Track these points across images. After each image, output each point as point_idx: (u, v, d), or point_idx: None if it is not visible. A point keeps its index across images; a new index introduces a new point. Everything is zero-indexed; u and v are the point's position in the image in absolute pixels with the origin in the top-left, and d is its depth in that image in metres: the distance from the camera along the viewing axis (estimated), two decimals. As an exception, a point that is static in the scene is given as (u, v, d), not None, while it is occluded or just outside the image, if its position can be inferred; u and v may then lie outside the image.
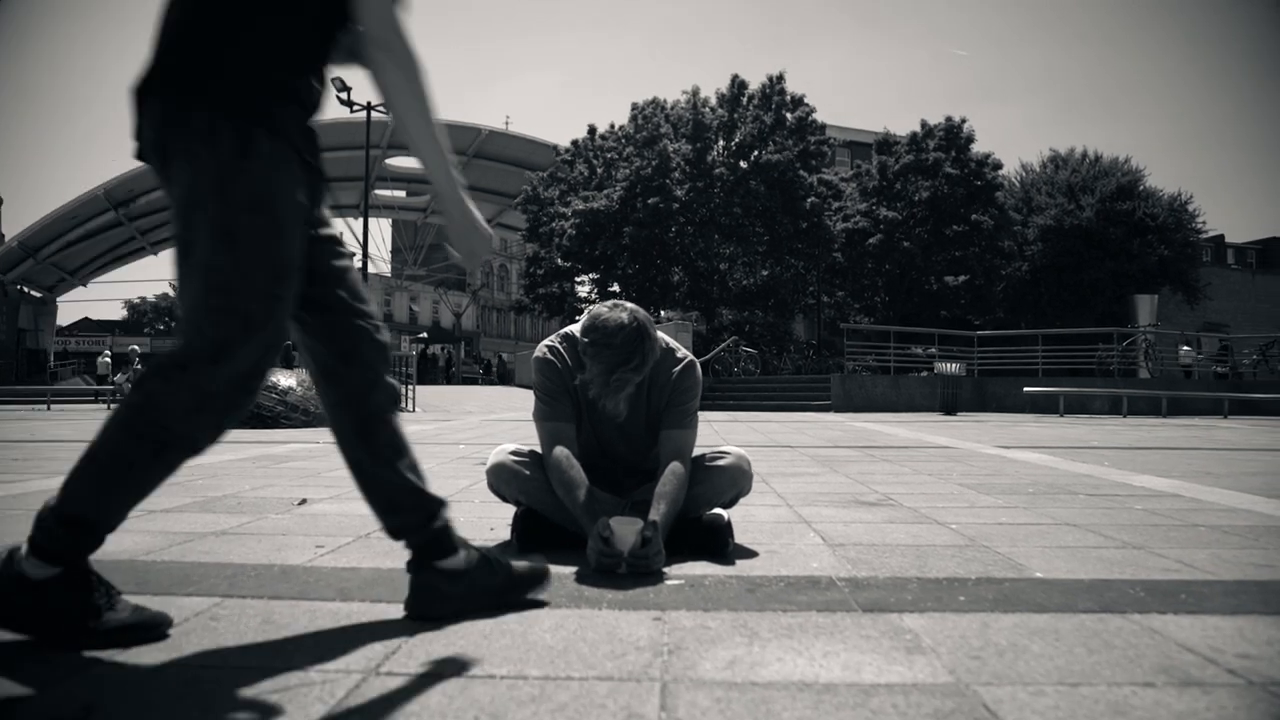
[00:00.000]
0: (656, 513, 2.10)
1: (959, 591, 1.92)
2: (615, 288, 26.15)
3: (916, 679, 1.35)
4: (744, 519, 2.82)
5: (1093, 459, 5.77)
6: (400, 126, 1.57)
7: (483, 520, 2.91)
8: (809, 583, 1.99)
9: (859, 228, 26.21)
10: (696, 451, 2.39)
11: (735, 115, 25.84)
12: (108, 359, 24.95)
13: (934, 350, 19.70)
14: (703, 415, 2.53)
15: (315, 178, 1.58)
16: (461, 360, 48.34)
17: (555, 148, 31.22)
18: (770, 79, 25.89)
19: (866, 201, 26.94)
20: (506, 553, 2.30)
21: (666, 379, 2.37)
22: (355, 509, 3.17)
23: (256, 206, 1.46)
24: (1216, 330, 28.31)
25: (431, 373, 41.23)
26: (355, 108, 19.77)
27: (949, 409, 15.95)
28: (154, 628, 1.52)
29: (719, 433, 8.74)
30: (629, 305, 2.23)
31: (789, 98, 25.82)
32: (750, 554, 2.33)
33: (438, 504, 1.71)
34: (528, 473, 2.33)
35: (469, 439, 7.79)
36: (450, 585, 1.67)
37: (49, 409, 18.14)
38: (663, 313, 25.77)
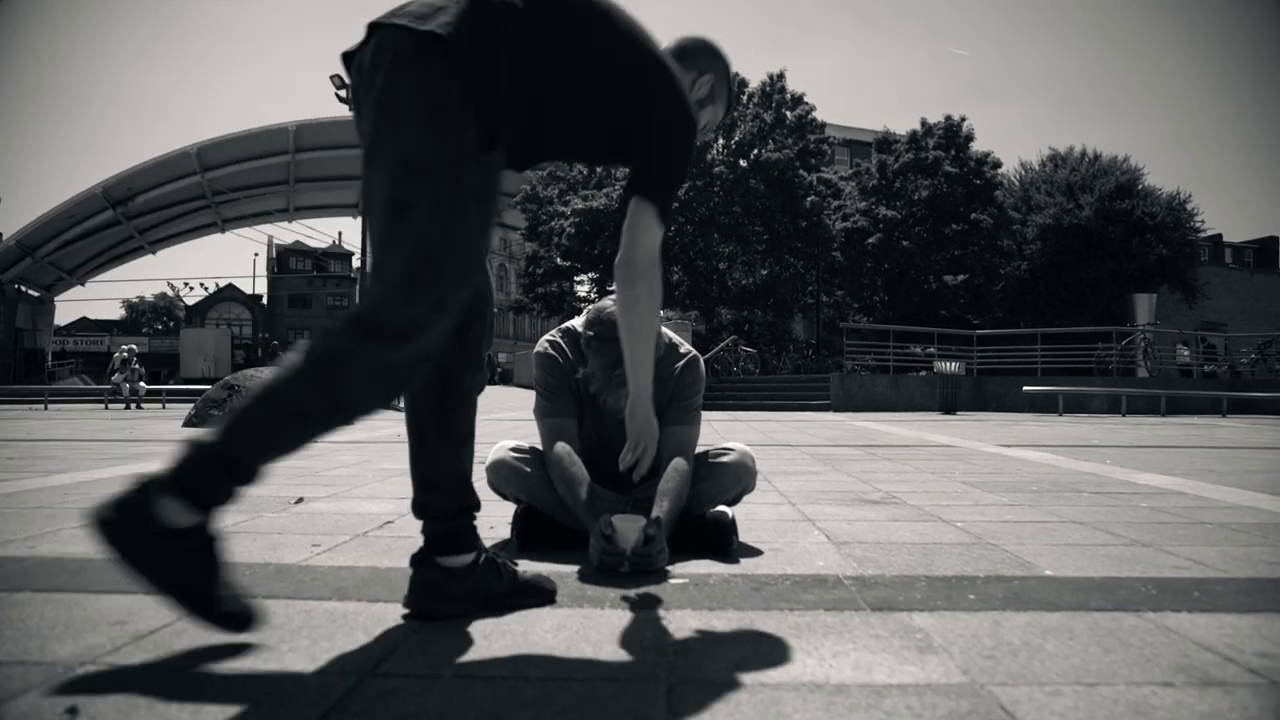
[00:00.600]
0: (659, 510, 2.07)
1: (968, 590, 1.89)
2: (614, 287, 26.06)
3: (930, 679, 1.31)
4: (747, 517, 2.79)
5: (1095, 457, 5.74)
6: (624, 338, 1.76)
7: (482, 518, 2.83)
8: (815, 581, 1.95)
9: (858, 227, 26.18)
10: (699, 448, 2.35)
11: (735, 113, 25.80)
12: (126, 355, 24.90)
13: (933, 350, 19.69)
14: (702, 415, 2.49)
15: None
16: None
17: (554, 147, 31.10)
18: (770, 77, 25.86)
19: (866, 200, 26.92)
20: (506, 551, 2.27)
21: (669, 375, 2.33)
22: (352, 507, 3.13)
23: (480, 193, 1.47)
24: (1215, 329, 28.30)
25: (430, 372, 41.10)
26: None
27: (948, 408, 15.93)
28: (245, 619, 1.44)
29: (719, 432, 8.70)
30: None
31: (789, 96, 25.79)
32: (755, 552, 2.29)
33: (474, 502, 1.70)
34: (528, 470, 2.29)
35: (468, 438, 7.75)
36: (452, 584, 1.63)
37: (46, 408, 18.09)
38: (662, 312, 25.67)
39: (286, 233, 55.35)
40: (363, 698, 1.20)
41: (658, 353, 2.19)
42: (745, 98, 25.97)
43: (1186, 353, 21.46)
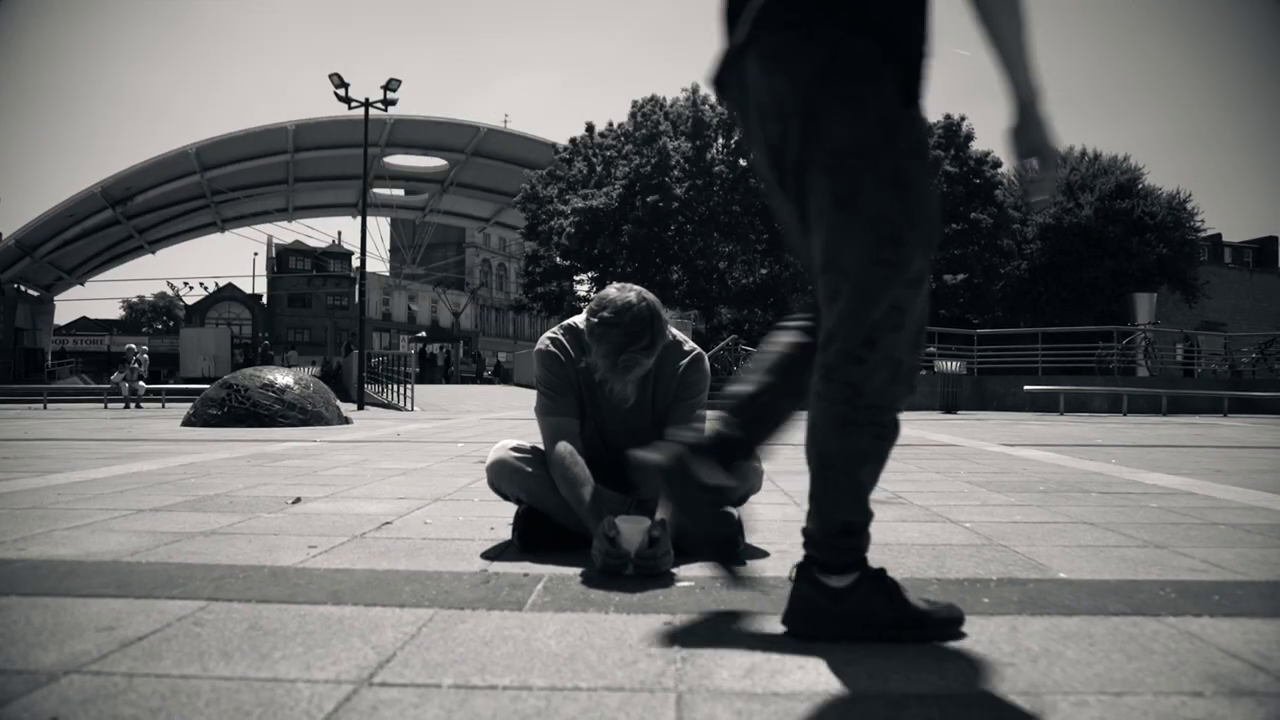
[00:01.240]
0: (664, 511, 2.01)
1: (982, 593, 1.83)
2: (614, 286, 25.96)
3: (949, 688, 1.26)
4: (751, 517, 2.73)
5: (1100, 456, 5.69)
6: (997, 37, 1.49)
7: (482, 519, 2.82)
8: (825, 584, 1.90)
9: (858, 226, 26.11)
10: (704, 448, 2.29)
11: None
12: (146, 354, 24.81)
13: (933, 349, 19.63)
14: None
15: None
16: (460, 359, 48.20)
17: (554, 146, 31.09)
18: (769, 76, 25.77)
19: (866, 200, 26.84)
20: (507, 553, 2.22)
21: (673, 372, 2.28)
22: (350, 508, 3.08)
23: (919, 152, 1.43)
24: (1215, 329, 28.25)
25: (430, 372, 41.14)
26: (353, 104, 19.63)
27: (949, 407, 15.88)
28: (952, 623, 1.52)
29: (720, 431, 8.64)
30: (636, 287, 2.15)
31: (788, 95, 25.72)
32: (761, 554, 2.24)
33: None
34: (529, 469, 2.24)
35: (468, 437, 7.71)
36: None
37: (45, 408, 18.03)
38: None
39: (286, 232, 55.33)
40: (356, 709, 1.15)
41: (664, 339, 2.15)
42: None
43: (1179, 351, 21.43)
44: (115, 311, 68.05)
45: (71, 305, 57.37)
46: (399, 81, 19.90)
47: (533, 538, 2.24)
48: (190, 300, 59.12)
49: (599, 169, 26.99)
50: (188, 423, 9.41)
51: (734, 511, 2.25)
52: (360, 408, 17.11)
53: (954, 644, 1.47)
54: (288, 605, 1.68)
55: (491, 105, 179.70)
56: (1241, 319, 32.74)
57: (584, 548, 2.02)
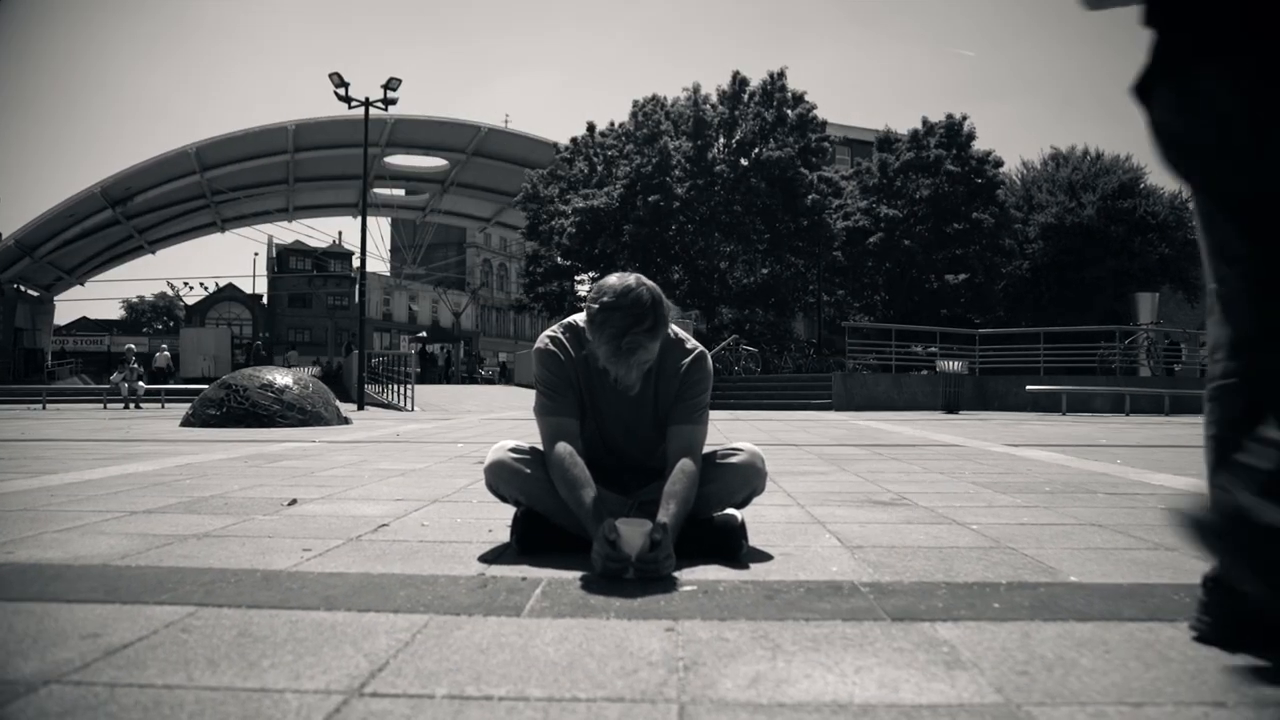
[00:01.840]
0: (666, 513, 1.97)
1: (992, 598, 1.79)
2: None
3: (962, 698, 1.21)
4: (755, 519, 2.68)
5: (1105, 457, 5.64)
6: None
7: (480, 522, 2.77)
8: (831, 588, 1.85)
9: (859, 226, 26.05)
10: (707, 448, 2.25)
11: (736, 112, 25.66)
12: (166, 353, 24.80)
13: (934, 349, 19.59)
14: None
15: None
16: (460, 359, 48.14)
17: (555, 145, 31.02)
18: (771, 75, 25.71)
19: (867, 199, 26.78)
20: (505, 556, 2.18)
21: (675, 370, 2.23)
22: (346, 509, 3.04)
23: None
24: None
25: (431, 372, 41.09)
26: (353, 104, 19.57)
27: (951, 407, 15.83)
28: None
29: (722, 431, 8.60)
30: (636, 274, 2.11)
31: (790, 94, 25.65)
32: (765, 557, 2.19)
33: None
34: (528, 471, 2.19)
35: (467, 438, 7.66)
36: None
37: (44, 408, 17.99)
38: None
39: (286, 232, 55.25)
40: (347, 721, 1.11)
41: (665, 325, 2.11)
42: (746, 96, 25.85)
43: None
44: (115, 311, 68.09)
45: (71, 305, 57.34)
46: (399, 81, 19.85)
47: (531, 540, 2.20)
48: (190, 300, 59.13)
49: (600, 169, 26.91)
50: (186, 423, 9.37)
51: (737, 514, 2.21)
52: (360, 408, 17.06)
53: (966, 652, 1.42)
54: (279, 611, 1.63)
55: (492, 105, 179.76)
56: (1243, 319, 32.57)
57: (584, 551, 1.98)
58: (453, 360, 46.75)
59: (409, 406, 17.00)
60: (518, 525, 2.23)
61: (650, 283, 2.10)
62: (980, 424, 11.06)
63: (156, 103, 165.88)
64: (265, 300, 58.15)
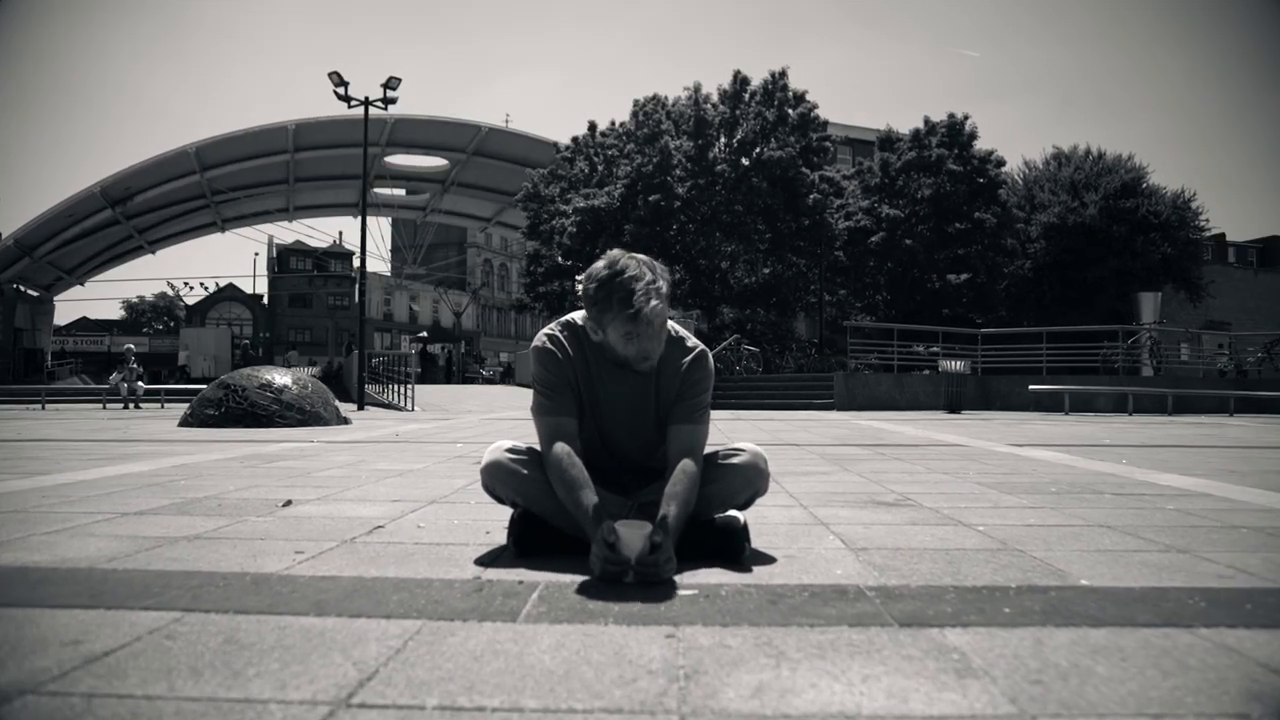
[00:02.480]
0: (666, 515, 1.91)
1: (1002, 602, 1.74)
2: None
3: (974, 709, 1.16)
4: (757, 520, 2.63)
5: (1110, 457, 5.59)
6: None
7: (478, 523, 2.72)
8: (836, 593, 1.80)
9: (861, 225, 25.98)
10: (708, 448, 2.20)
11: (737, 112, 25.58)
12: (187, 351, 24.73)
13: (936, 348, 19.53)
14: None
15: None
16: (461, 359, 48.08)
17: (555, 145, 30.96)
18: (772, 75, 25.64)
19: (868, 199, 26.71)
20: (502, 559, 2.13)
21: (676, 369, 2.18)
22: (342, 511, 2.99)
23: None
24: (1220, 329, 28.12)
25: (431, 372, 41.04)
26: (353, 103, 19.53)
27: (954, 407, 15.77)
28: None
29: (723, 431, 8.55)
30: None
31: (791, 94, 25.57)
32: (768, 559, 2.14)
33: None
34: (525, 472, 2.14)
35: (467, 438, 7.61)
36: None
37: (43, 408, 17.95)
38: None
39: (287, 232, 55.26)
40: (332, 734, 1.06)
41: (667, 289, 2.08)
42: (747, 96, 25.78)
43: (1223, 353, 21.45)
44: (115, 312, 68.02)
45: (71, 305, 57.30)
46: (399, 80, 19.80)
47: (529, 543, 2.15)
48: (191, 300, 59.11)
49: (600, 168, 26.85)
50: (184, 423, 9.32)
51: (740, 515, 2.16)
52: (360, 408, 17.01)
53: (977, 660, 1.37)
54: (267, 616, 1.58)
55: (493, 105, 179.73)
56: (1246, 319, 32.57)
57: (582, 554, 1.93)
58: (453, 360, 46.67)
59: (409, 406, 16.95)
60: (515, 527, 2.18)
61: (638, 256, 2.08)
62: (983, 424, 11.00)
63: (156, 103, 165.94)
64: (266, 300, 58.13)
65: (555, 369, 2.15)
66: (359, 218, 22.67)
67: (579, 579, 1.85)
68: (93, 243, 38.31)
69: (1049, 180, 27.23)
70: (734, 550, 2.09)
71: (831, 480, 4.13)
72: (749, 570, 2.00)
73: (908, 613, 1.65)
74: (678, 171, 24.63)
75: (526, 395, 2.13)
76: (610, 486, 2.17)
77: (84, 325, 57.63)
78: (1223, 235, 40.09)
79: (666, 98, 26.59)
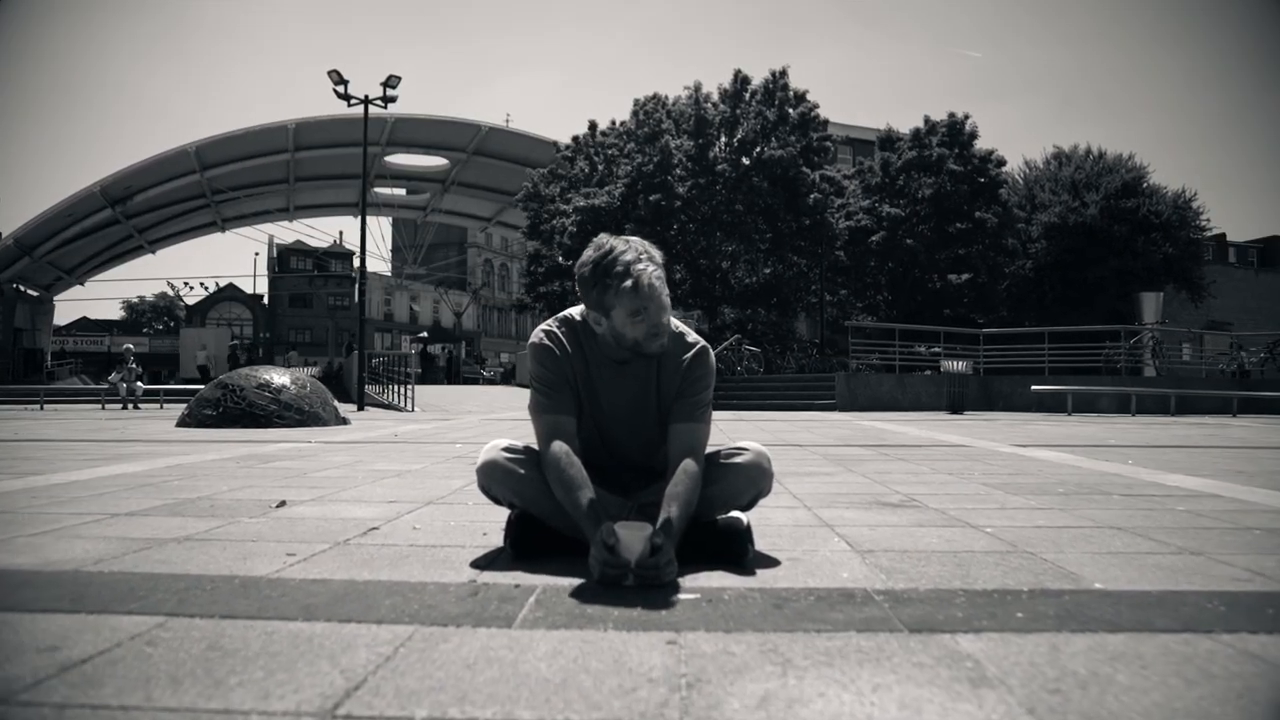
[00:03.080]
0: (667, 517, 1.86)
1: (1015, 607, 1.68)
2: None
3: (991, 722, 1.11)
4: (760, 522, 2.58)
5: (1115, 457, 5.53)
6: None
7: (475, 524, 2.67)
8: (842, 596, 1.75)
9: (861, 225, 25.92)
10: (710, 448, 2.14)
11: (738, 111, 25.52)
12: (205, 350, 24.65)
13: (938, 349, 19.46)
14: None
15: None
16: (462, 359, 48.03)
17: (556, 144, 30.89)
18: (773, 74, 25.58)
19: (869, 198, 26.64)
20: (498, 561, 2.07)
21: (677, 365, 2.12)
22: (337, 512, 2.93)
23: None
24: (1221, 329, 28.06)
25: (432, 372, 40.97)
26: (352, 102, 19.47)
27: (956, 407, 15.71)
28: None
29: (724, 432, 8.50)
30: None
31: (792, 93, 25.51)
32: (772, 562, 2.09)
33: None
34: (522, 471, 2.08)
35: (466, 438, 7.56)
36: None
37: (42, 409, 17.90)
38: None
39: (287, 232, 55.22)
40: (315, 749, 1.00)
41: (660, 263, 2.04)
42: (748, 95, 25.72)
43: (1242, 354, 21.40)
44: (115, 312, 67.97)
45: (71, 305, 57.24)
46: (399, 78, 19.74)
47: (526, 545, 2.09)
48: (191, 300, 59.05)
49: (601, 168, 26.79)
50: (182, 423, 9.26)
51: (743, 517, 2.11)
52: (360, 408, 16.95)
53: (992, 668, 1.31)
54: (254, 621, 1.53)
55: (493, 105, 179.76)
56: (1247, 319, 32.51)
57: (581, 556, 1.87)
58: (454, 360, 46.61)
59: (409, 407, 16.89)
60: (512, 529, 2.12)
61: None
62: (986, 424, 10.94)
63: (156, 102, 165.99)
64: (266, 300, 58.07)
65: (553, 365, 2.10)
66: (359, 217, 22.62)
67: (577, 582, 1.80)
68: (92, 242, 38.24)
69: (1050, 180, 27.17)
70: (737, 553, 2.03)
71: (835, 481, 4.07)
72: (752, 573, 1.95)
73: (917, 617, 1.59)
74: (678, 171, 24.58)
75: (527, 396, 2.07)
76: (610, 487, 2.11)
77: (84, 325, 57.59)
78: (1223, 235, 40.06)
79: (667, 97, 26.54)
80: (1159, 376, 18.27)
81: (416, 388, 17.92)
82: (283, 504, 3.09)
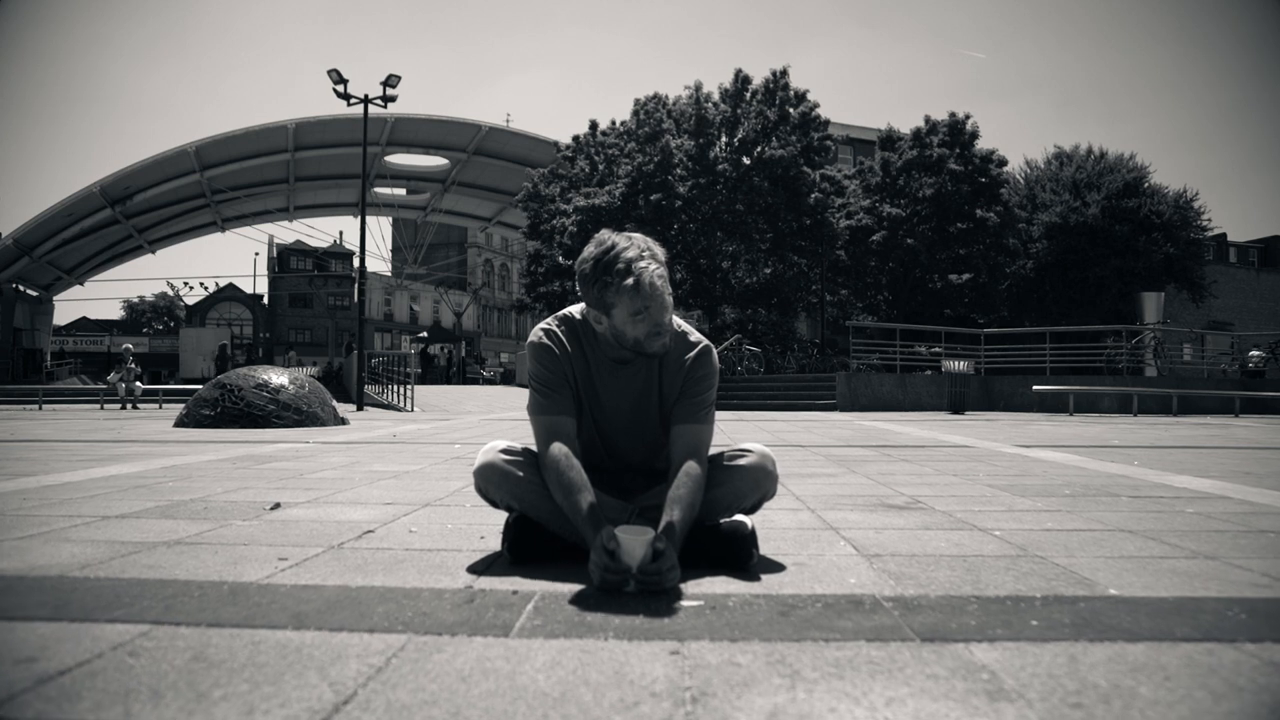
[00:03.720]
0: (669, 520, 1.80)
1: (1029, 614, 1.62)
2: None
3: (1012, 739, 1.05)
4: (763, 524, 2.52)
5: (1120, 458, 5.48)
6: None
7: (472, 527, 2.61)
8: (851, 603, 1.69)
9: (862, 225, 25.85)
10: (713, 449, 2.09)
11: (738, 111, 25.46)
12: (216, 349, 24.58)
13: (939, 349, 19.40)
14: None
15: None
16: (462, 359, 47.95)
17: (556, 144, 30.84)
18: (774, 74, 25.51)
19: (870, 198, 26.58)
20: (495, 566, 2.02)
21: (679, 364, 2.07)
22: (331, 514, 2.88)
23: None
24: (1222, 328, 28.00)
25: (431, 372, 40.92)
26: (352, 101, 19.41)
27: (957, 408, 15.66)
28: None
29: (725, 432, 8.44)
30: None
31: (792, 93, 25.44)
32: (777, 567, 2.03)
33: None
34: (521, 474, 2.02)
35: (465, 439, 7.50)
36: None
37: (40, 409, 17.84)
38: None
39: (287, 232, 55.24)
40: (299, 769, 0.95)
41: (663, 261, 1.99)
42: (749, 95, 25.65)
43: (1259, 355, 21.31)
44: (115, 312, 67.98)
45: (71, 305, 57.30)
46: (398, 78, 19.69)
47: (524, 549, 2.04)
48: (191, 300, 59.01)
49: (601, 167, 26.74)
50: (180, 424, 9.21)
51: (747, 520, 2.05)
52: (359, 409, 16.90)
53: (1009, 679, 1.26)
54: (241, 630, 1.47)
55: (493, 104, 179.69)
56: (1248, 319, 32.48)
57: (581, 561, 1.81)
58: (454, 361, 46.54)
59: (408, 407, 16.84)
60: (509, 532, 2.06)
61: None
62: (988, 424, 10.89)
63: (156, 103, 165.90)
64: (266, 300, 58.00)
65: (552, 365, 2.04)
66: (359, 217, 22.56)
67: (577, 588, 1.74)
68: (92, 242, 38.19)
69: (1051, 180, 27.11)
70: (741, 557, 1.98)
71: (839, 482, 4.02)
72: (757, 579, 1.89)
73: (929, 626, 1.54)
74: (679, 171, 24.52)
75: (523, 395, 2.03)
76: (610, 489, 2.06)
77: (84, 325, 57.57)
78: (1224, 235, 40.03)
79: (668, 97, 26.48)
80: (1160, 376, 18.21)
81: (416, 388, 17.87)
82: (277, 506, 3.03)
